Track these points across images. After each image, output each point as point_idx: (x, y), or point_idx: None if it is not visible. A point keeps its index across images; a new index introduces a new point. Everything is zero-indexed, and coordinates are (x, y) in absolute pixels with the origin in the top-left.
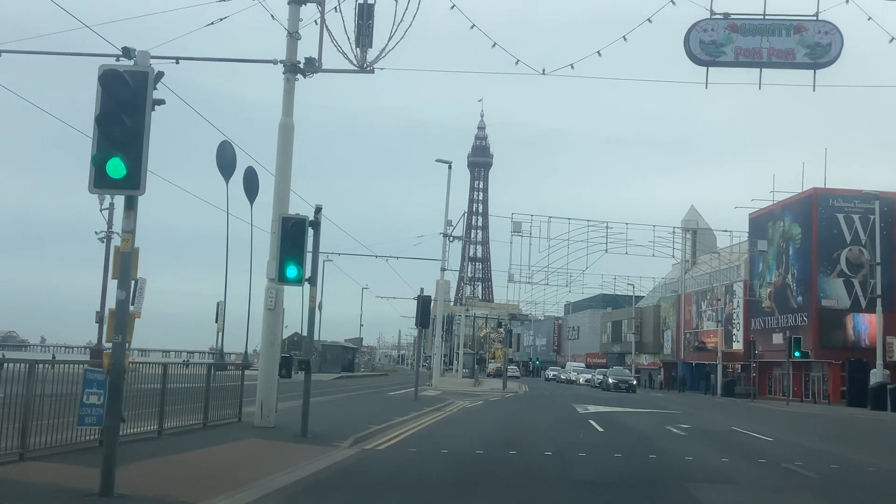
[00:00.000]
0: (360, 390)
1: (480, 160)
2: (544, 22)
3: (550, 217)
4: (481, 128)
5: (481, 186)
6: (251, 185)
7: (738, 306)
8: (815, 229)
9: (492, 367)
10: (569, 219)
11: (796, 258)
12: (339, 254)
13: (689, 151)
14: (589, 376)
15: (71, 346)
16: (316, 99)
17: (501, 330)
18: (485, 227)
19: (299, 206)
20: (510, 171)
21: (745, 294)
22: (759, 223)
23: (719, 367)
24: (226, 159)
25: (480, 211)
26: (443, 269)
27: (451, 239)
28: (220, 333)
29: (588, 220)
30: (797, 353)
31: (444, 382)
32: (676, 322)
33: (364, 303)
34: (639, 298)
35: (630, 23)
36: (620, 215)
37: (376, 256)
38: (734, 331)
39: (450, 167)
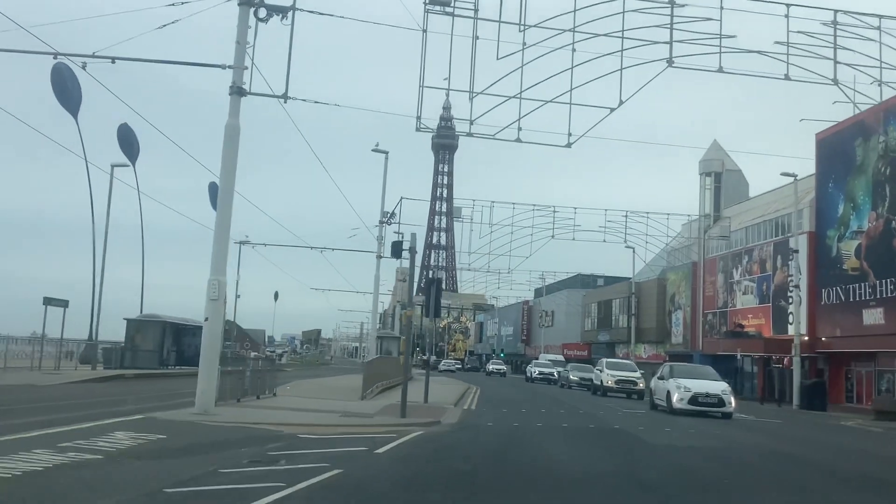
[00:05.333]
0: None
1: (445, 142)
2: None
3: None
4: (446, 108)
5: (446, 170)
6: (129, 142)
7: (798, 271)
8: None
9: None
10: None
11: None
12: (261, 244)
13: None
14: (691, 383)
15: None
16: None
17: (464, 320)
18: (449, 213)
19: None
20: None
21: (811, 251)
22: (835, 144)
23: (797, 363)
24: (65, 86)
25: (445, 196)
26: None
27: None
28: None
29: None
30: None
31: (303, 389)
32: (692, 299)
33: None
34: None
35: None
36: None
37: (311, 248)
38: (790, 308)
39: (386, 157)
